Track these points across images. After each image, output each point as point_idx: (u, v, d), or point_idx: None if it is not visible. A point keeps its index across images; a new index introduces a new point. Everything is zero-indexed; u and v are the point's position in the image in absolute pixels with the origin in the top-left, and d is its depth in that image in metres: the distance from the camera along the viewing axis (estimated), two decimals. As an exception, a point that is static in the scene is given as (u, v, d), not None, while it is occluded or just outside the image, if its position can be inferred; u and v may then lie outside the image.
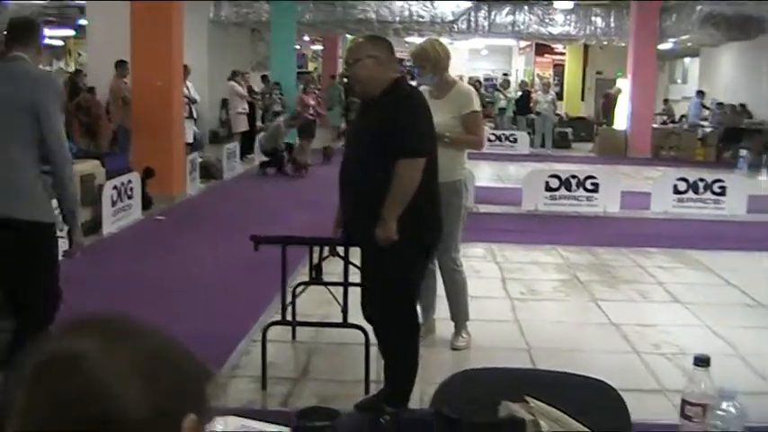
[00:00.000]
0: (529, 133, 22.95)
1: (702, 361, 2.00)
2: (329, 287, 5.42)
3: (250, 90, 19.49)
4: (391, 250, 4.30)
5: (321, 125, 18.36)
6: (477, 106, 5.82)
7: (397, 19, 22.10)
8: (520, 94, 25.24)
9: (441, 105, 5.75)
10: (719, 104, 22.66)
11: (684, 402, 2.01)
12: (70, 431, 0.89)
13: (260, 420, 2.09)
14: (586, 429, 2.36)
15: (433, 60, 5.73)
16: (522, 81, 27.91)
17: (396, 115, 4.26)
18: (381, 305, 4.51)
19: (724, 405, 1.86)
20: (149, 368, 0.96)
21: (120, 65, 13.06)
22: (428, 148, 4.34)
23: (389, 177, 4.20)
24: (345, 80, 19.81)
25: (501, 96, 25.15)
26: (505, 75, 34.34)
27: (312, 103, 17.61)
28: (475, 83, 27.86)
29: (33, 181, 4.37)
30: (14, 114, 4.26)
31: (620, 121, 23.03)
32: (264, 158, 16.18)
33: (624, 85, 23.07)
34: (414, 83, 6.14)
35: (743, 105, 22.07)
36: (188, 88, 14.13)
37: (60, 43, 32.46)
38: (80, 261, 7.33)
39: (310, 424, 1.80)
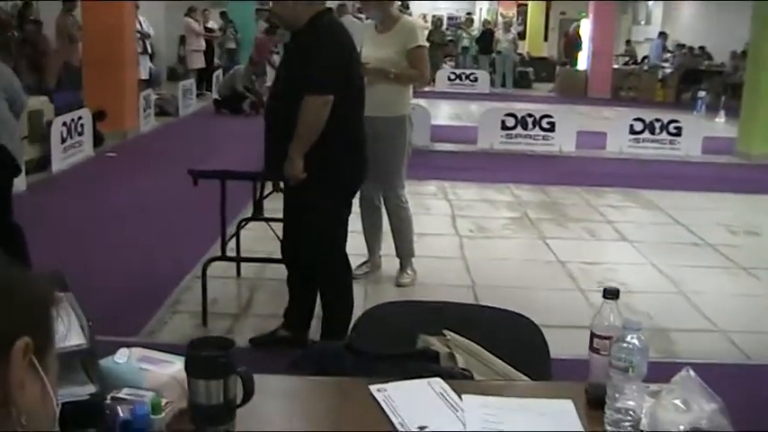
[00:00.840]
0: (490, 73, 22.83)
1: (611, 293, 1.97)
2: (270, 223, 5.38)
3: (207, 27, 19.17)
4: (309, 193, 4.25)
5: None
6: (422, 41, 5.74)
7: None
8: (481, 32, 25.05)
9: (385, 40, 5.67)
10: (680, 46, 22.69)
11: (593, 335, 1.99)
12: None
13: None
14: (502, 362, 2.34)
15: None
16: (485, 20, 27.69)
17: (304, 51, 4.16)
18: (306, 247, 4.46)
19: (628, 337, 1.84)
20: None
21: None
22: (337, 86, 4.16)
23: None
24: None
25: (464, 35, 24.95)
26: (469, 14, 34.08)
27: (274, 49, 17.27)
28: (436, 21, 27.63)
29: None
30: None
31: (582, 61, 23.00)
32: (217, 98, 16.00)
33: (586, 25, 22.99)
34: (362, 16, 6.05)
35: (702, 48, 22.11)
36: (141, 23, 13.86)
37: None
38: (29, 197, 7.27)
39: (201, 353, 1.76)
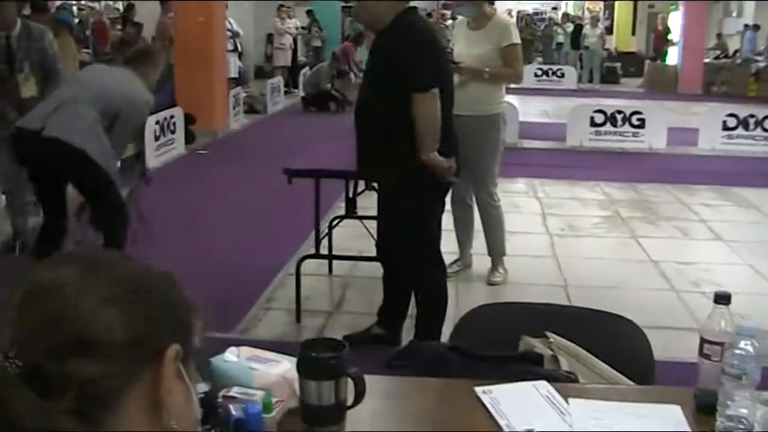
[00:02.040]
0: (578, 68, 22.60)
1: (723, 298, 1.95)
2: (363, 221, 5.42)
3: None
4: (404, 190, 4.25)
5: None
6: (515, 39, 5.71)
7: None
8: (572, 28, 24.76)
9: (478, 37, 5.66)
10: (774, 38, 22.13)
11: (703, 340, 1.96)
12: (46, 352, 0.89)
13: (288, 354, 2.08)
14: (606, 366, 2.33)
15: None
16: (567, 13, 27.37)
17: (398, 49, 4.14)
18: (400, 246, 4.47)
19: (742, 344, 1.81)
20: (127, 297, 0.97)
21: (165, 1, 13.01)
22: (436, 81, 4.15)
23: (397, 113, 4.09)
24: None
25: (559, 31, 24.65)
26: (555, 8, 33.79)
27: (356, 59, 17.30)
28: (526, 17, 27.42)
29: None
30: None
31: (672, 56, 22.59)
32: (304, 95, 16.16)
33: (676, 18, 22.57)
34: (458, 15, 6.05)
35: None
36: (230, 22, 14.06)
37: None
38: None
39: (315, 354, 1.78)
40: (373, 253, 4.99)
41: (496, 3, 5.90)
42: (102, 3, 30.59)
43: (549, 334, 2.40)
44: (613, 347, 2.41)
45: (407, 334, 4.73)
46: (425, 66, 4.12)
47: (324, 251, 5.70)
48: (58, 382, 0.88)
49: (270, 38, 20.52)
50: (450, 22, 25.02)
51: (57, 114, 4.92)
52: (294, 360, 1.89)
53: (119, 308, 0.95)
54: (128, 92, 5.16)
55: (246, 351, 2.08)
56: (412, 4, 4.50)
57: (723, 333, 1.92)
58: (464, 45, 5.72)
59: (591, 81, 22.43)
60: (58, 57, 6.35)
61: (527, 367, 2.21)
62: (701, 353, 1.97)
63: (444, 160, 4.18)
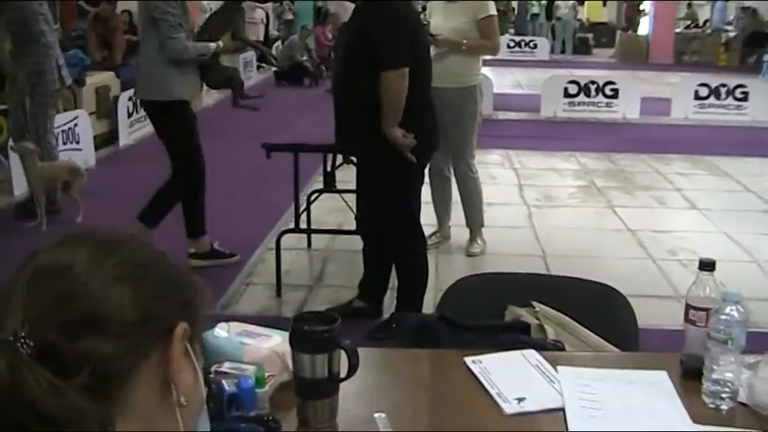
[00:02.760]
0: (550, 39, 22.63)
1: (707, 265, 1.98)
2: (342, 195, 5.42)
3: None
4: (383, 165, 4.27)
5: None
6: (492, 10, 5.72)
7: None
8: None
9: (455, 10, 5.66)
10: (744, 8, 22.20)
11: (688, 306, 1.98)
12: (59, 331, 0.90)
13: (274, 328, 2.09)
14: (591, 334, 2.36)
15: None
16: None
17: (372, 26, 4.14)
18: (380, 219, 4.49)
19: (727, 309, 1.84)
20: (136, 275, 0.98)
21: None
22: (408, 58, 4.15)
23: (370, 88, 4.11)
24: None
25: (534, 2, 24.62)
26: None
27: (327, 41, 17.07)
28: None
29: None
30: None
31: (643, 26, 22.66)
32: (276, 69, 16.09)
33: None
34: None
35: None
36: (202, -4, 13.95)
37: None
38: (97, 172, 7.42)
39: (308, 327, 1.79)
40: (352, 226, 5.01)
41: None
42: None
43: (534, 303, 2.43)
44: (598, 315, 2.44)
45: (389, 306, 4.76)
46: (397, 43, 4.12)
47: (303, 225, 5.71)
48: (71, 361, 0.89)
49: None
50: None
51: None
52: (285, 334, 1.90)
53: (129, 286, 0.96)
54: None
55: (237, 326, 2.08)
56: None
57: (708, 299, 1.95)
58: (441, 17, 5.72)
59: (563, 52, 22.45)
60: None
61: (515, 336, 2.23)
62: (686, 319, 2.00)
63: (403, 136, 4.18)
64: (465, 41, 5.59)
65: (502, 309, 2.46)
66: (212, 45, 5.23)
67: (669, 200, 7.69)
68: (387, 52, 4.10)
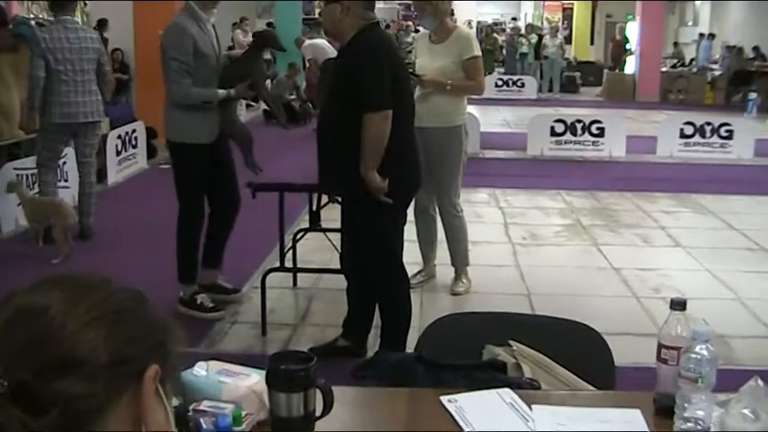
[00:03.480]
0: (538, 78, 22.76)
1: (678, 304, 2.01)
2: (327, 233, 5.45)
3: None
4: (366, 204, 4.31)
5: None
6: (477, 51, 5.78)
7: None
8: (536, 39, 24.90)
9: (440, 50, 5.72)
10: (729, 47, 22.44)
11: (660, 345, 2.02)
12: (33, 372, 0.92)
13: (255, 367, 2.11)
14: (568, 372, 2.38)
15: (434, 3, 5.69)
16: (530, 24, 27.58)
17: (355, 68, 4.19)
18: (363, 258, 4.53)
19: (697, 348, 1.87)
20: (109, 319, 1.01)
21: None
22: (392, 100, 4.19)
23: (354, 130, 4.15)
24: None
25: (523, 41, 24.78)
26: (514, 19, 34.08)
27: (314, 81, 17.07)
28: (486, 28, 27.61)
29: None
30: None
31: (630, 65, 22.86)
32: (266, 108, 16.15)
33: (634, 28, 22.85)
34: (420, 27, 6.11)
35: (756, 48, 21.87)
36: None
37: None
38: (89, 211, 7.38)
39: (284, 367, 1.82)
40: (338, 265, 5.03)
41: (456, 12, 5.96)
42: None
43: (511, 342, 2.45)
44: (575, 354, 2.47)
45: (373, 345, 4.77)
46: (379, 85, 4.16)
47: (288, 264, 5.73)
48: (43, 400, 0.92)
49: (230, 50, 20.48)
50: (412, 34, 25.17)
51: None
52: (263, 373, 1.92)
53: (102, 330, 0.99)
54: None
55: (215, 365, 2.10)
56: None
57: (679, 338, 1.98)
58: (426, 58, 5.78)
59: (551, 90, 22.59)
60: None
61: (491, 375, 2.25)
62: (658, 357, 2.03)
63: (379, 180, 4.21)
64: (450, 82, 5.65)
65: (480, 347, 2.49)
66: (221, 92, 5.24)
67: (654, 238, 7.73)
68: (369, 94, 4.15)
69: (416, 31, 24.44)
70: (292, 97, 16.06)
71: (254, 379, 2.01)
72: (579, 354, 2.49)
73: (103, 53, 7.49)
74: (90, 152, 7.43)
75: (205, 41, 5.16)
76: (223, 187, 5.52)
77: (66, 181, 8.46)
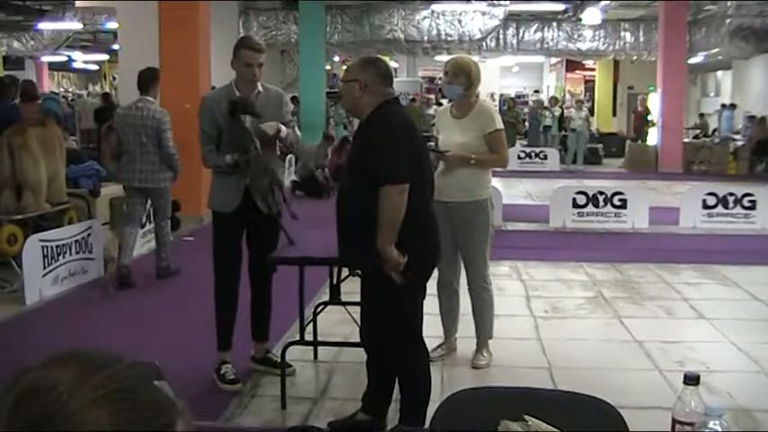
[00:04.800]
0: (559, 150, 22.82)
1: (692, 379, 2.01)
2: (347, 307, 5.46)
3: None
4: (383, 278, 4.30)
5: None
6: (499, 124, 5.83)
7: (425, 38, 22.11)
8: (560, 111, 25.03)
9: (463, 125, 5.78)
10: (751, 117, 22.49)
11: (674, 421, 2.01)
12: None
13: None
14: (584, 448, 2.37)
15: (471, 76, 5.77)
16: (553, 98, 27.75)
17: (372, 142, 4.24)
18: (381, 332, 4.53)
19: (711, 424, 1.86)
20: (115, 398, 1.02)
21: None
22: (409, 173, 4.22)
23: (371, 202, 4.18)
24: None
25: (547, 114, 24.91)
26: (537, 91, 34.36)
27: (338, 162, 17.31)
28: (509, 100, 27.81)
29: None
30: None
31: (653, 136, 22.93)
32: (295, 179, 16.31)
33: (656, 99, 22.97)
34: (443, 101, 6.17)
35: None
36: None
37: (96, 67, 32.95)
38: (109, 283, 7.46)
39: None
40: (358, 338, 5.04)
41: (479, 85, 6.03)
42: (91, 91, 31.04)
43: (527, 417, 2.44)
44: (591, 430, 2.45)
45: (393, 419, 4.75)
46: (397, 159, 4.19)
47: (309, 337, 5.73)
48: None
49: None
50: (434, 106, 25.39)
51: None
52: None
53: (107, 409, 1.00)
54: None
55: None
56: (395, 84, 4.63)
57: (693, 413, 1.98)
58: (449, 133, 5.82)
59: (575, 162, 22.61)
60: None
61: (506, 452, 2.24)
62: (673, 433, 2.02)
63: (396, 255, 4.22)
64: (474, 156, 5.69)
65: (495, 423, 2.48)
66: (227, 158, 5.42)
67: (677, 310, 7.67)
68: (387, 167, 4.18)
69: (438, 104, 24.70)
70: (317, 171, 16.17)
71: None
72: (595, 430, 2.47)
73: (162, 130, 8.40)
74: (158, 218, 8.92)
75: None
76: (252, 258, 5.70)
77: (90, 252, 8.55)
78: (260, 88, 5.53)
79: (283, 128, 5.52)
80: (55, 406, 0.98)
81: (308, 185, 15.90)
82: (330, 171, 15.98)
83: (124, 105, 8.66)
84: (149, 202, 8.80)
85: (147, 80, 8.53)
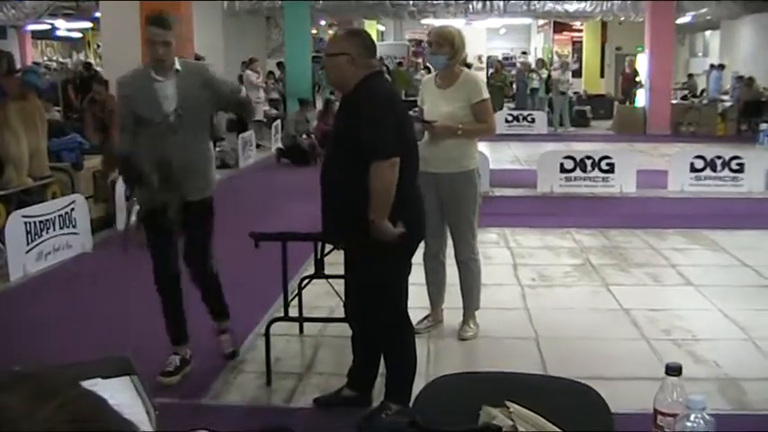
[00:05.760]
0: (547, 113, 22.73)
1: (674, 369, 1.97)
2: (331, 281, 5.42)
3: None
4: (368, 256, 4.28)
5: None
6: (485, 94, 5.78)
7: (411, 1, 21.94)
8: (547, 74, 24.89)
9: (448, 95, 5.70)
10: (739, 78, 22.40)
11: (656, 412, 1.97)
12: None
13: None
14: (566, 434, 2.33)
15: (455, 46, 5.70)
16: (540, 60, 27.57)
17: (359, 117, 4.16)
18: (366, 308, 4.49)
19: (692, 417, 1.82)
20: (67, 429, 0.96)
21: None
22: (397, 147, 4.18)
23: (358, 178, 4.12)
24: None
25: (534, 77, 24.76)
26: (524, 53, 34.16)
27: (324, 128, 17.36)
28: (496, 63, 27.63)
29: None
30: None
31: (641, 98, 22.86)
32: (280, 146, 16.25)
33: (644, 60, 22.87)
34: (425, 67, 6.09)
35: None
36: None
37: (79, 35, 32.63)
38: (94, 256, 7.44)
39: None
40: (343, 312, 5.01)
41: (466, 47, 5.96)
42: (75, 60, 30.78)
43: (508, 403, 2.40)
44: (573, 415, 2.42)
45: (379, 394, 4.72)
46: (385, 133, 4.14)
47: (294, 311, 5.68)
48: None
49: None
50: (421, 71, 25.24)
51: None
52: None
53: None
54: None
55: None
56: (382, 48, 4.54)
57: (675, 404, 1.94)
58: (434, 103, 5.74)
59: (562, 124, 22.54)
60: None
61: (486, 441, 2.20)
62: (654, 424, 1.98)
63: (392, 228, 4.18)
64: (461, 126, 5.63)
65: (477, 409, 2.44)
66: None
67: (664, 277, 7.65)
68: (376, 142, 4.12)
69: (426, 68, 24.54)
70: (303, 137, 16.07)
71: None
72: (578, 415, 2.43)
73: None
74: None
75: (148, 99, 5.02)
76: (184, 245, 5.44)
77: (74, 227, 8.47)
78: (178, 66, 5.03)
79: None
80: (3, 429, 0.93)
81: (293, 153, 15.81)
82: (317, 137, 15.88)
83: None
84: None
85: None
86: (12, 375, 1.02)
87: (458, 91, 5.70)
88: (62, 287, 7.42)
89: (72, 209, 8.50)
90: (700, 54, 30.74)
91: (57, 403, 0.98)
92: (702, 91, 24.69)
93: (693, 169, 12.43)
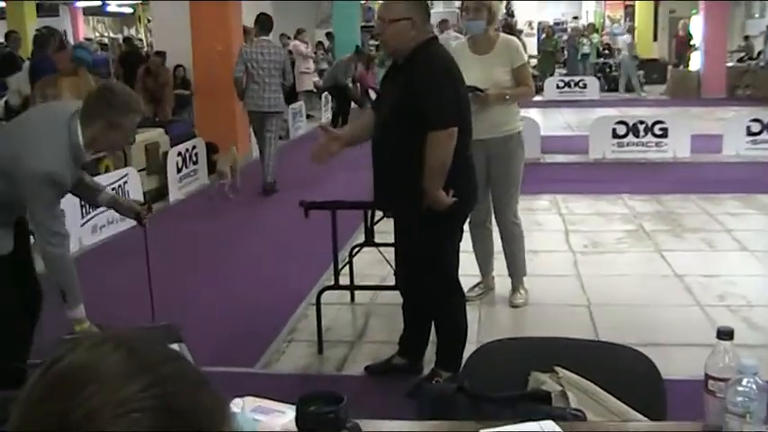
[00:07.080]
0: (598, 78, 22.44)
1: (725, 334, 1.93)
2: (382, 249, 5.41)
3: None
4: (420, 222, 4.26)
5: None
6: (525, 57, 5.79)
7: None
8: (597, 38, 24.56)
9: (487, 61, 5.64)
10: (797, 39, 21.90)
11: (707, 377, 1.94)
12: None
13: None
14: (616, 400, 2.31)
15: (492, 10, 5.69)
16: (590, 24, 27.19)
17: (417, 85, 4.10)
18: (417, 276, 4.48)
19: (744, 381, 1.79)
20: (161, 395, 0.93)
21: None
22: (456, 115, 4.14)
23: (414, 147, 4.08)
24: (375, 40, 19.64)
25: (585, 42, 24.43)
26: (576, 18, 33.71)
27: (371, 84, 17.56)
28: (547, 29, 27.32)
29: None
30: None
31: (695, 61, 22.46)
32: (329, 116, 16.34)
33: (698, 23, 22.45)
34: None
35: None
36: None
37: (130, 10, 32.85)
38: (148, 229, 7.50)
39: (313, 409, 1.79)
40: (394, 281, 5.01)
41: (516, 14, 6.00)
42: (125, 34, 31.01)
43: (558, 369, 2.39)
44: (623, 380, 2.40)
45: (429, 361, 4.72)
46: (445, 102, 4.11)
47: (345, 279, 5.69)
48: None
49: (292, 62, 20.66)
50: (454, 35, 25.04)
51: None
52: (292, 409, 1.90)
53: (154, 405, 0.92)
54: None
55: (251, 402, 2.08)
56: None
57: (727, 368, 1.90)
58: (477, 70, 5.66)
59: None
60: None
61: (534, 406, 2.19)
62: (705, 388, 1.95)
63: (446, 199, 4.16)
64: (508, 92, 5.60)
65: (526, 374, 2.43)
66: None
67: (719, 242, 7.53)
68: (436, 112, 4.08)
69: (460, 31, 24.31)
70: (348, 82, 16.37)
71: (290, 416, 1.98)
72: (630, 381, 2.41)
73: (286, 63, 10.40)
74: (269, 135, 10.18)
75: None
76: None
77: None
78: None
79: None
80: (93, 396, 0.90)
81: (340, 97, 16.13)
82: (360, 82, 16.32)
83: (249, 45, 10.16)
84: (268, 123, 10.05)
85: (267, 23, 10.31)
86: (101, 338, 0.99)
87: (499, 56, 5.64)
88: (117, 260, 7.51)
89: (125, 182, 8.59)
90: (756, 15, 30.03)
91: (149, 379, 0.95)
92: (759, 53, 24.15)
93: (750, 133, 12.16)
